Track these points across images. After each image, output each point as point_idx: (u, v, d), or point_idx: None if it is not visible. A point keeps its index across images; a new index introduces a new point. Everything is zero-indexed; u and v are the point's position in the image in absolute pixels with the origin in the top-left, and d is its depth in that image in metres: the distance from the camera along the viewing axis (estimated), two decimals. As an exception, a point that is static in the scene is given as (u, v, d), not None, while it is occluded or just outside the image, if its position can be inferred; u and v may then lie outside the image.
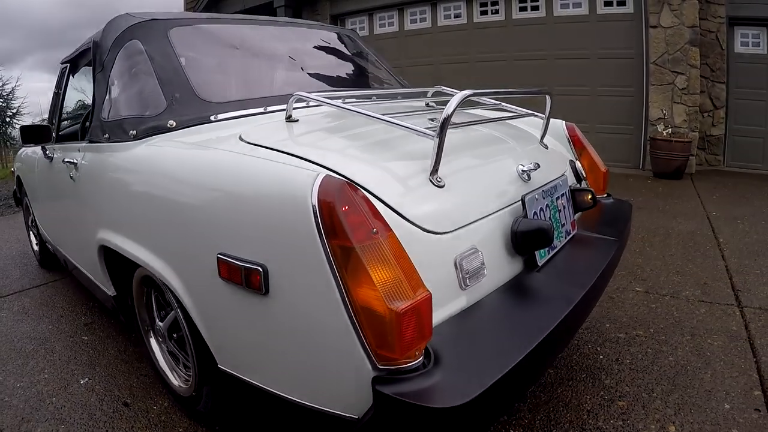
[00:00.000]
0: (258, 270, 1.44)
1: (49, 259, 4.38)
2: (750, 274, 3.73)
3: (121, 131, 2.29)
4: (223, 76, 2.51)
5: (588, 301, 1.84)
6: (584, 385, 2.40)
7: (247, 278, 1.48)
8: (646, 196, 6.48)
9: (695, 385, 2.38)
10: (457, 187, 1.74)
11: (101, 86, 2.55)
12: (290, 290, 1.42)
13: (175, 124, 2.10)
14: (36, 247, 4.72)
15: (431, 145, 1.65)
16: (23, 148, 4.75)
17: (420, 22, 9.97)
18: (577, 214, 2.40)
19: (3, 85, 26.51)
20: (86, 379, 2.65)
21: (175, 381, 2.34)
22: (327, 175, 1.37)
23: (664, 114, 7.74)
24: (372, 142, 1.86)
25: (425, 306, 1.31)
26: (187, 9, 14.00)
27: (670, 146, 7.43)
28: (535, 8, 8.60)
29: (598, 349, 2.72)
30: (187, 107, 2.15)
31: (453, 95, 1.69)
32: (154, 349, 2.46)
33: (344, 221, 1.29)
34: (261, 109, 2.24)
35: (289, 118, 2.05)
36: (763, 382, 2.38)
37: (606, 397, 2.31)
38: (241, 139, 1.83)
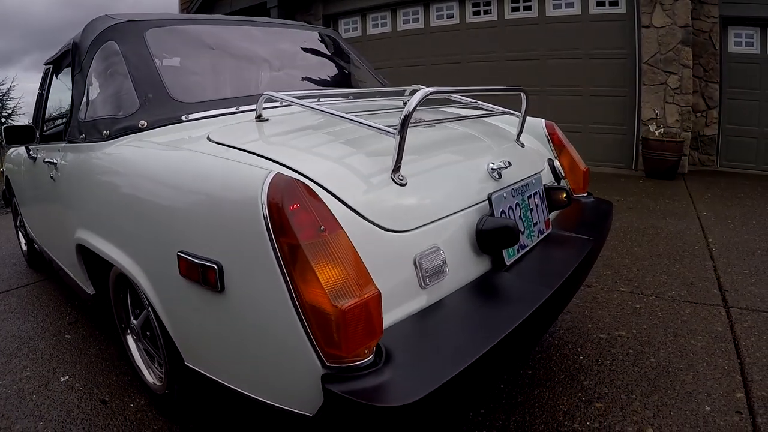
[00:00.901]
0: (213, 267, 1.44)
1: (37, 258, 4.40)
2: (738, 275, 3.72)
3: (95, 131, 2.31)
4: (198, 77, 2.52)
5: (556, 301, 1.83)
6: (562, 387, 2.39)
7: (203, 275, 1.48)
8: (637, 195, 6.48)
9: (676, 386, 2.36)
10: (421, 185, 1.74)
11: (79, 87, 2.57)
12: (243, 288, 1.42)
13: (146, 124, 2.11)
14: (24, 247, 4.76)
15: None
16: (13, 149, 4.77)
17: (413, 22, 9.98)
18: (552, 213, 2.40)
19: (-1, 85, 26.62)
20: (67, 377, 2.66)
21: (150, 378, 2.35)
22: (278, 173, 1.38)
23: (657, 114, 7.75)
24: (338, 141, 1.86)
25: (373, 304, 1.31)
26: (181, 10, 14.05)
27: (663, 146, 7.44)
28: (527, 8, 8.61)
29: (579, 350, 2.71)
30: (160, 107, 2.16)
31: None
32: (130, 347, 2.46)
33: (291, 219, 1.29)
34: (233, 109, 2.24)
35: (259, 118, 2.06)
36: (747, 384, 2.36)
37: (583, 398, 2.30)
38: (209, 138, 1.84)
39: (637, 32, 7.81)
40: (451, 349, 1.41)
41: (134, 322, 2.33)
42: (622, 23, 7.97)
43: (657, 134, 7.52)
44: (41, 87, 3.53)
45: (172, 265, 1.61)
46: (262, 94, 2.04)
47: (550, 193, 2.33)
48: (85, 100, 2.51)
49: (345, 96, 2.61)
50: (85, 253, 2.44)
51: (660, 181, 7.38)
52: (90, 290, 2.59)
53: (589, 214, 2.62)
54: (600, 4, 8.07)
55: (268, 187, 1.33)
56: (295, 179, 1.38)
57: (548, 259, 2.08)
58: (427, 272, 1.60)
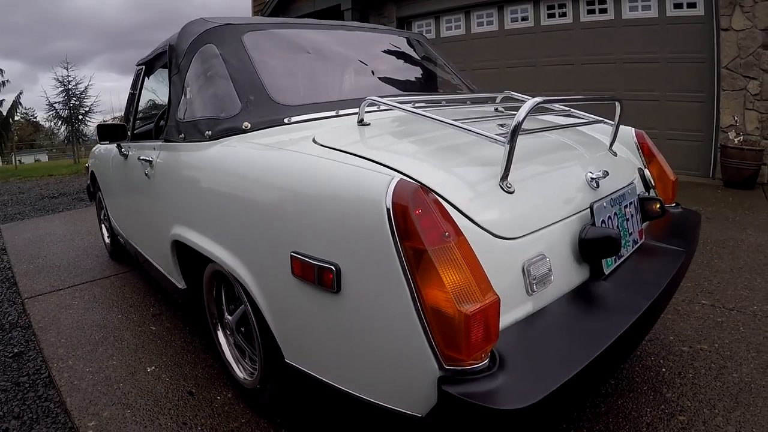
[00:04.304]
0: (331, 269, 1.48)
1: (120, 251, 4.55)
2: (824, 290, 3.58)
3: (196, 131, 2.37)
4: (296, 80, 2.56)
5: (653, 311, 1.83)
6: (645, 398, 2.36)
7: (319, 276, 1.52)
8: (716, 206, 6.28)
9: (758, 403, 2.30)
10: (526, 193, 1.75)
11: (177, 88, 2.64)
12: (361, 289, 1.45)
13: (249, 125, 2.16)
14: (107, 240, 4.92)
15: (500, 150, 1.68)
16: (97, 145, 4.95)
17: (486, 25, 9.88)
18: (644, 223, 2.37)
19: (77, 84, 28.09)
20: (153, 368, 2.76)
21: (240, 373, 2.41)
22: (401, 179, 1.40)
23: (736, 121, 7.49)
24: (442, 147, 1.88)
25: (493, 310, 1.34)
26: (254, 11, 14.28)
27: (742, 154, 7.18)
28: (603, 11, 8.42)
29: (661, 361, 2.67)
30: (262, 109, 2.21)
31: (523, 101, 1.71)
32: (221, 341, 2.54)
33: (417, 224, 1.32)
34: (333, 113, 2.28)
35: (360, 122, 2.10)
36: (835, 404, 2.29)
37: (666, 410, 2.27)
38: (314, 141, 1.88)
39: (716, 35, 7.56)
40: (560, 356, 1.44)
41: (229, 317, 2.39)
42: (700, 26, 7.71)
43: (736, 142, 7.27)
44: (133, 87, 3.63)
45: (283, 265, 1.66)
46: (362, 99, 2.07)
47: (643, 203, 2.32)
48: (183, 100, 2.58)
49: (437, 102, 2.63)
50: (179, 249, 2.52)
51: (738, 191, 7.12)
52: (181, 285, 2.67)
53: (678, 224, 2.57)
54: (677, 6, 7.83)
55: (393, 193, 1.36)
56: (419, 185, 1.40)
57: (644, 269, 2.06)
58: (534, 279, 1.62)
